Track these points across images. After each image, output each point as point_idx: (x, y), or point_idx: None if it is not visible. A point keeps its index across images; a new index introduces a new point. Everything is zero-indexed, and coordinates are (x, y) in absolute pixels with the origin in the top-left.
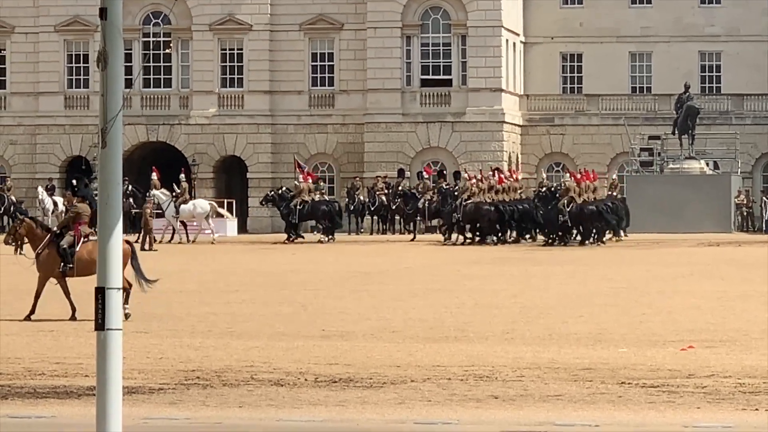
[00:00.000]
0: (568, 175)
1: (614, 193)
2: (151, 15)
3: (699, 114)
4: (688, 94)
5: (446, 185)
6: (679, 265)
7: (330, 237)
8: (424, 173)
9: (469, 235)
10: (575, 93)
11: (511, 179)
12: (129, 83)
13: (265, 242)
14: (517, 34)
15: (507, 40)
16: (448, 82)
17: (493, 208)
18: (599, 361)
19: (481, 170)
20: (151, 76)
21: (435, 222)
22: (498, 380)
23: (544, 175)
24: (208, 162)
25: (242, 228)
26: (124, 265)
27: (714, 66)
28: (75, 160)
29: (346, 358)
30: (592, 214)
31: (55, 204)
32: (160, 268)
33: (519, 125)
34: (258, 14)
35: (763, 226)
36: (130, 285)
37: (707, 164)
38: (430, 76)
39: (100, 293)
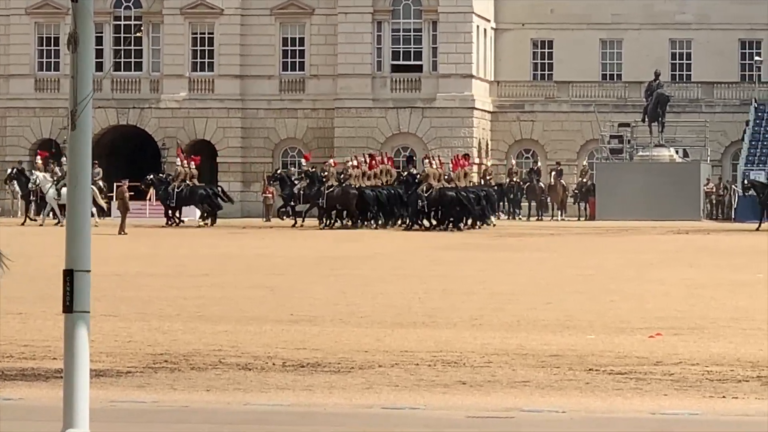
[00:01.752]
0: (427, 161)
1: (487, 181)
2: None
3: (669, 102)
4: (658, 81)
5: (312, 169)
6: (648, 252)
7: (208, 221)
8: (303, 160)
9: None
10: (545, 80)
11: (386, 165)
12: (100, 66)
13: (234, 226)
14: (488, 21)
15: (478, 27)
16: (419, 68)
17: (357, 193)
18: (567, 347)
19: (356, 156)
20: (122, 60)
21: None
22: (466, 366)
23: (426, 163)
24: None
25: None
26: None
27: (684, 54)
28: (45, 143)
29: (314, 343)
30: (452, 200)
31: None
32: (129, 252)
33: (489, 111)
34: None
35: (732, 214)
36: None
37: (677, 152)
38: (401, 62)
39: (69, 276)
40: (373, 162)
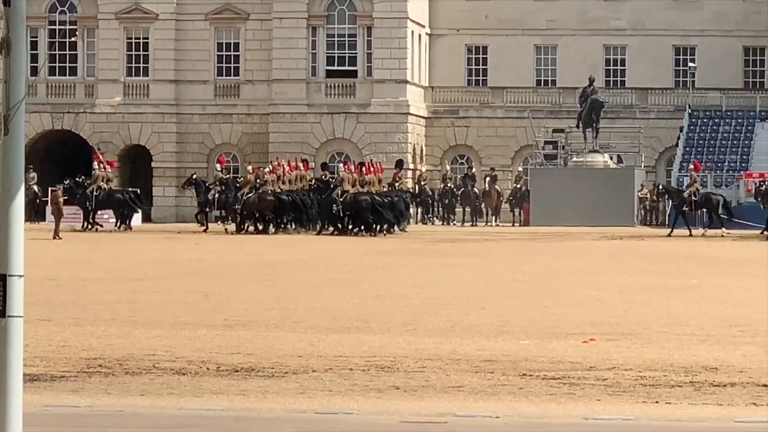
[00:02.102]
0: (342, 166)
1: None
2: (57, 3)
3: (603, 107)
4: (592, 87)
5: (227, 176)
6: (582, 258)
7: (126, 225)
8: (218, 164)
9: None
10: (480, 85)
11: (298, 170)
12: (35, 71)
13: (169, 231)
14: (423, 26)
15: (412, 32)
16: (354, 74)
17: (274, 199)
18: (501, 352)
19: (271, 161)
20: (57, 64)
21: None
22: (399, 371)
23: (341, 168)
24: (113, 151)
25: (147, 217)
26: None
27: (618, 60)
28: None
29: (248, 348)
30: (366, 205)
31: None
32: (64, 257)
33: (424, 117)
34: (164, 3)
35: (666, 220)
36: None
37: (611, 158)
38: (336, 67)
39: (2, 280)
40: (287, 167)
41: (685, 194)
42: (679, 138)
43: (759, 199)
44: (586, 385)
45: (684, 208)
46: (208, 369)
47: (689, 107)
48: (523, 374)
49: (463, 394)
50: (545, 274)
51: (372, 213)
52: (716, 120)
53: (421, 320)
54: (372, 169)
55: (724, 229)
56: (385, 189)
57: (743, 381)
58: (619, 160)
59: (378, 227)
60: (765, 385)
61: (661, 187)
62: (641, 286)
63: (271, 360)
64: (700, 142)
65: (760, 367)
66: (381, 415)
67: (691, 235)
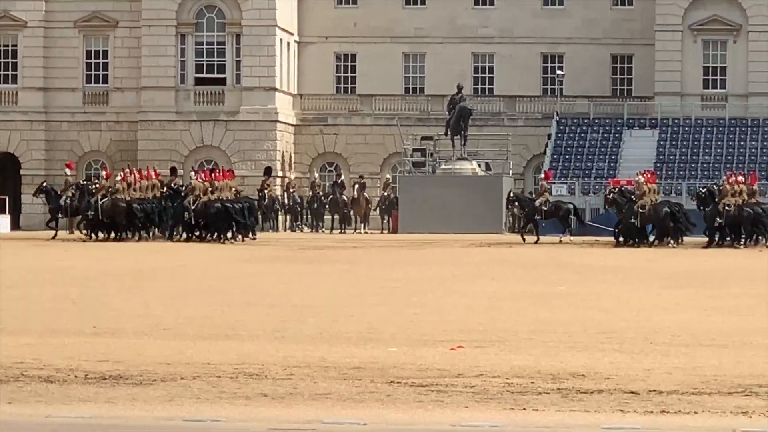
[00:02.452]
0: (193, 174)
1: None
2: None
3: (471, 115)
4: (460, 95)
5: (83, 182)
6: (450, 265)
7: None
8: (68, 169)
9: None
10: (349, 93)
11: (151, 179)
12: None
13: (37, 239)
14: (292, 34)
15: (281, 40)
16: (222, 81)
17: (126, 206)
18: (369, 360)
19: (123, 168)
20: None
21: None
22: (268, 378)
23: (192, 176)
24: None
25: (15, 224)
26: None
27: (487, 67)
28: None
29: (116, 355)
30: (218, 212)
31: None
32: None
33: (293, 125)
34: (33, 11)
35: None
36: None
37: (479, 165)
38: (205, 75)
39: None
40: (135, 175)
41: (537, 203)
42: (547, 145)
43: (607, 207)
44: (453, 392)
45: (535, 217)
46: (76, 377)
47: (557, 115)
48: (391, 381)
49: (331, 402)
50: (414, 282)
51: (226, 220)
52: (584, 127)
53: (289, 327)
54: (222, 175)
55: (564, 236)
56: (233, 195)
57: (610, 388)
58: (488, 168)
59: (233, 234)
60: (632, 392)
61: (512, 195)
62: (509, 294)
63: (139, 368)
64: (568, 149)
65: (628, 373)
66: (249, 423)
67: (537, 242)
